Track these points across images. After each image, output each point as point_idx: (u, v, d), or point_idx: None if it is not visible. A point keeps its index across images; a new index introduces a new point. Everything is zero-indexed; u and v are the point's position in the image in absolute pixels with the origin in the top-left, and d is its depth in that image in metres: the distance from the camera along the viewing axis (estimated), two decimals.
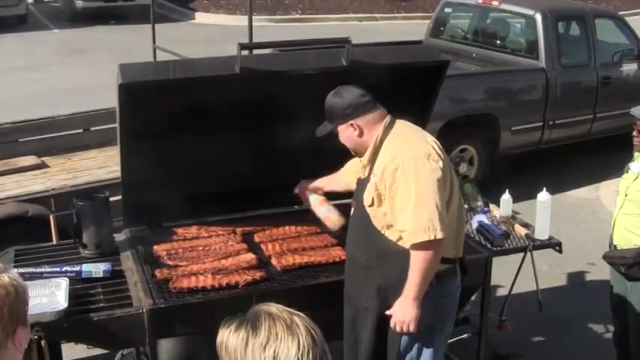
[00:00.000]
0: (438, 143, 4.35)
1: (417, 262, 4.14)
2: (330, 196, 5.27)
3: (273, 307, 2.39)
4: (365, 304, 4.46)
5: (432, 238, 4.06)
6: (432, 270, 4.19)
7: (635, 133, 5.50)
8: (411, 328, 4.25)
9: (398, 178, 4.14)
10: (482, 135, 10.34)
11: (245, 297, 4.41)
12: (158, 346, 4.66)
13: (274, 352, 2.26)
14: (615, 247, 5.66)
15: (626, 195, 5.55)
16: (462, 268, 4.56)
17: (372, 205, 4.32)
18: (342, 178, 5.09)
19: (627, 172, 5.67)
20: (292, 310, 2.40)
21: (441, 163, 4.18)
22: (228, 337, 2.34)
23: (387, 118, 4.42)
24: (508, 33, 11.83)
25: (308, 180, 5.26)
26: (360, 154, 4.51)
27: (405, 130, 4.41)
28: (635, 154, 5.60)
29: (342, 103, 4.38)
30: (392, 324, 4.31)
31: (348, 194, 4.98)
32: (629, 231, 5.52)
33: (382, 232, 4.33)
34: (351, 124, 4.37)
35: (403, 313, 4.24)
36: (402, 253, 4.21)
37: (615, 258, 5.61)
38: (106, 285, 4.70)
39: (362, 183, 4.48)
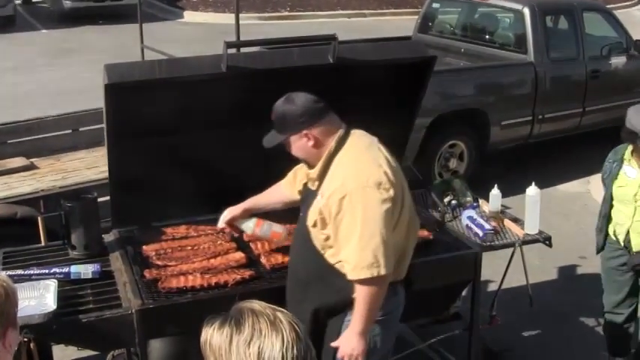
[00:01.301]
0: (391, 160, 4.16)
1: (362, 297, 4.00)
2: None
3: (256, 304, 2.39)
4: (300, 317, 4.41)
5: (374, 275, 3.91)
6: (377, 303, 4.05)
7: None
8: None
9: (344, 208, 3.96)
10: (471, 130, 10.34)
11: (234, 296, 4.40)
12: (148, 347, 4.65)
13: (259, 347, 2.27)
14: (634, 253, 5.66)
15: (636, 202, 5.54)
16: (407, 282, 4.41)
17: (314, 226, 4.17)
18: (282, 191, 4.88)
19: (618, 178, 5.64)
20: (275, 307, 2.40)
21: (392, 191, 3.99)
22: (212, 334, 2.34)
23: (342, 130, 4.18)
24: (496, 28, 11.83)
25: (232, 207, 4.89)
26: (313, 166, 4.26)
27: (358, 146, 4.17)
28: (625, 158, 5.60)
29: (296, 111, 4.12)
30: (339, 356, 4.14)
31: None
32: None
33: (322, 252, 4.20)
34: (306, 134, 4.12)
35: (351, 347, 4.09)
36: (339, 276, 4.08)
37: None
38: (95, 286, 4.69)
39: (309, 196, 4.33)
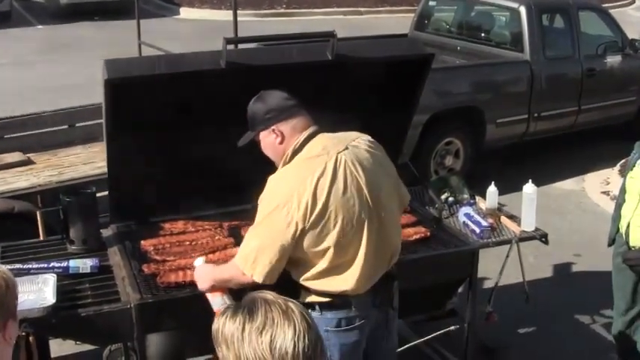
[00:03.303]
0: (333, 179, 3.91)
1: (228, 266, 4.22)
2: None
3: (268, 294, 2.43)
4: None
5: (241, 267, 4.02)
6: (229, 281, 4.18)
7: None
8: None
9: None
10: (467, 128, 10.36)
11: (232, 291, 4.41)
12: (146, 341, 4.66)
13: (271, 336, 2.29)
14: (631, 248, 5.62)
15: None
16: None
17: None
18: None
19: (633, 169, 5.60)
20: (286, 297, 2.43)
21: (296, 213, 3.85)
22: (225, 323, 2.37)
23: (311, 129, 4.10)
24: (492, 26, 11.86)
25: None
26: (277, 167, 4.20)
27: (306, 154, 4.04)
28: None
29: (264, 108, 4.11)
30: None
31: None
32: None
33: None
34: (273, 130, 4.08)
35: (198, 274, 4.36)
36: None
37: (639, 259, 5.57)
38: (94, 280, 4.69)
39: None
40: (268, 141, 4.15)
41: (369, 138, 4.23)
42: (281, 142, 4.09)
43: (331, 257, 3.95)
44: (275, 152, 4.17)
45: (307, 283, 4.07)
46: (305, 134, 4.08)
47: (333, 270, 4.01)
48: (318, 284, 4.06)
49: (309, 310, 3.95)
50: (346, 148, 4.03)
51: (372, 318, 4.24)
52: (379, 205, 4.07)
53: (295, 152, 4.06)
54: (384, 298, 4.28)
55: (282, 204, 3.86)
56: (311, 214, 3.85)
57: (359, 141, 4.14)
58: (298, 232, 3.87)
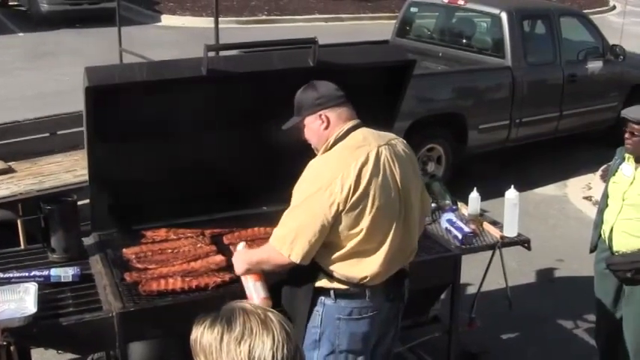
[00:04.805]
0: (374, 168, 4.09)
1: (264, 249, 4.34)
2: None
3: (247, 304, 2.42)
4: None
5: (277, 248, 4.15)
6: (266, 263, 4.31)
7: (627, 135, 5.47)
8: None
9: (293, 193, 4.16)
10: (449, 134, 10.39)
11: (215, 299, 4.40)
12: (128, 350, 4.64)
13: (249, 346, 2.28)
14: (614, 253, 5.64)
15: (623, 200, 5.53)
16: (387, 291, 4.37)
17: None
18: None
19: (616, 174, 5.64)
20: (265, 307, 2.43)
21: (339, 195, 4.00)
22: (203, 333, 2.35)
23: (356, 120, 4.29)
24: (474, 32, 11.90)
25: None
26: (317, 153, 4.37)
27: (347, 143, 4.20)
28: (625, 155, 5.61)
29: (315, 94, 4.28)
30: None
31: None
32: (634, 236, 5.50)
33: None
34: (320, 116, 4.25)
35: (235, 258, 4.53)
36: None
37: (622, 264, 5.55)
38: (75, 289, 4.66)
39: None
40: (314, 126, 4.30)
41: (405, 141, 4.44)
42: (326, 128, 4.26)
43: (360, 241, 4.11)
44: (319, 137, 4.31)
45: (331, 267, 4.20)
46: (350, 124, 4.26)
47: (359, 255, 4.17)
48: (341, 268, 4.20)
49: (324, 297, 4.19)
50: (386, 144, 4.24)
51: (384, 311, 4.38)
52: (408, 202, 4.28)
53: (338, 140, 4.23)
54: (397, 293, 4.43)
55: (325, 186, 4.01)
56: (352, 196, 4.01)
57: (396, 141, 4.36)
58: (338, 214, 4.03)
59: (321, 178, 4.06)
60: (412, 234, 4.38)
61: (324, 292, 4.25)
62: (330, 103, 4.26)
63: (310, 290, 4.28)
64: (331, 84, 4.34)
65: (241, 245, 4.69)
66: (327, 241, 4.12)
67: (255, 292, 4.38)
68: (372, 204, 4.07)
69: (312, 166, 4.17)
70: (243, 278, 4.45)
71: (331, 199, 4.00)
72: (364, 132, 4.26)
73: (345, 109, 4.29)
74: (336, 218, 4.03)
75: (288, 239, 4.09)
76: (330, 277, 4.22)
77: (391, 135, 4.40)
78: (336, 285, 4.22)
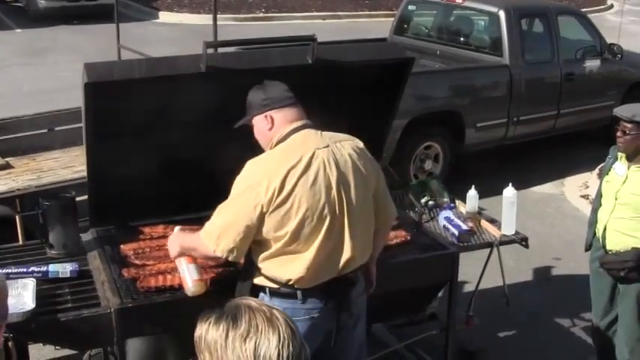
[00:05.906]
0: (307, 169, 4.04)
1: (195, 237, 4.38)
2: None
3: (252, 301, 2.42)
4: None
5: (205, 241, 4.23)
6: (194, 250, 4.41)
7: (619, 133, 5.47)
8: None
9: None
10: (447, 132, 10.40)
11: (212, 295, 4.40)
12: (126, 346, 4.64)
13: (255, 343, 2.28)
14: (608, 251, 5.65)
15: (616, 199, 5.55)
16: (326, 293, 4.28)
17: None
18: None
19: (609, 173, 5.66)
20: (271, 305, 2.42)
21: (264, 196, 3.99)
22: (208, 329, 2.35)
23: (301, 122, 4.24)
24: (472, 30, 11.91)
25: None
26: None
27: (285, 144, 4.18)
28: (618, 154, 5.61)
29: (263, 95, 4.30)
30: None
31: None
32: (627, 234, 5.51)
33: None
34: (266, 116, 4.26)
35: (171, 240, 4.63)
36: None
37: (616, 263, 5.56)
38: (74, 285, 4.67)
39: None
40: (260, 126, 4.31)
41: (360, 145, 4.33)
42: (270, 129, 4.26)
43: (286, 243, 4.09)
44: (264, 138, 4.32)
45: (261, 265, 4.22)
46: (293, 126, 4.23)
47: (285, 256, 4.15)
48: (269, 267, 4.20)
49: (262, 294, 4.17)
50: (327, 146, 4.17)
51: (323, 319, 4.28)
52: (348, 208, 4.16)
53: (280, 141, 4.22)
54: (338, 303, 4.30)
55: (253, 187, 4.04)
56: (276, 199, 4.00)
57: (345, 144, 4.26)
58: (262, 215, 4.03)
59: (252, 177, 4.08)
60: (350, 244, 4.19)
61: (262, 289, 4.26)
62: (277, 105, 4.27)
63: (249, 286, 4.30)
64: (282, 85, 4.35)
65: (177, 229, 4.80)
66: (257, 240, 4.13)
67: (188, 273, 4.44)
68: (298, 208, 4.03)
69: (248, 164, 4.16)
70: (177, 261, 4.52)
71: (257, 199, 4.01)
72: (308, 134, 4.21)
73: (292, 111, 4.28)
74: (261, 219, 4.04)
75: (215, 234, 4.16)
76: (262, 274, 4.24)
77: (342, 137, 4.31)
78: (269, 283, 4.23)
